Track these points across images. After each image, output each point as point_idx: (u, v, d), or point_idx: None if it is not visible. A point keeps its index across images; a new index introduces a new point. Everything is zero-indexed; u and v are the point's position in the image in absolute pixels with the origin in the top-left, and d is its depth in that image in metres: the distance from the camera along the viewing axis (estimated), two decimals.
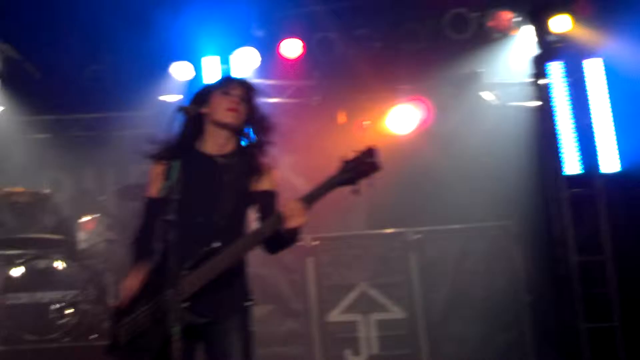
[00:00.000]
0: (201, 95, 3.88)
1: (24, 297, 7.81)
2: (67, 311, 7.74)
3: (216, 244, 3.52)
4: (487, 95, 8.59)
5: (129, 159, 9.34)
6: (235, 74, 3.64)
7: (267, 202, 3.80)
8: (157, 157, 3.83)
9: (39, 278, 7.87)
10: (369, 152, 3.47)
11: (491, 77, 8.50)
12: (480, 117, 8.39)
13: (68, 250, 8.32)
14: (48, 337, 7.60)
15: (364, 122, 8.77)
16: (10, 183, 9.34)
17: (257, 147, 3.89)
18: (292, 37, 8.43)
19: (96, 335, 7.62)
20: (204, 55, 8.63)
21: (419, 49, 8.30)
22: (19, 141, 9.65)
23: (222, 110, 3.74)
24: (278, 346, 6.91)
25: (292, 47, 8.47)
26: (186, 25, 8.16)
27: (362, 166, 3.45)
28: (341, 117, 8.87)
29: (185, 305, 3.38)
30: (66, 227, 8.65)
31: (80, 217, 8.55)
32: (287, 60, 8.51)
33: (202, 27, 8.32)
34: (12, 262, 8.15)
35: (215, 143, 3.80)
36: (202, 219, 3.66)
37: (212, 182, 3.72)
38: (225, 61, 8.63)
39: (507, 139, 7.98)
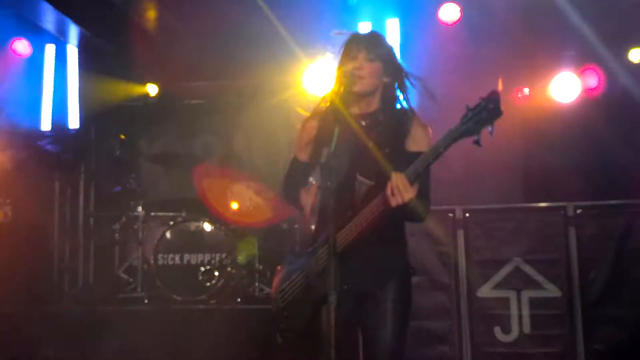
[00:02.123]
0: (339, 61, 3.68)
1: (174, 258, 8.05)
2: (215, 274, 7.90)
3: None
4: None
5: (277, 125, 9.39)
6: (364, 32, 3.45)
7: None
8: (315, 117, 3.73)
9: (189, 240, 8.08)
10: (491, 97, 3.22)
11: None
12: None
13: (218, 214, 8.47)
14: (196, 298, 7.79)
15: (522, 91, 8.36)
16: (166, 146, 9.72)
17: (401, 103, 3.69)
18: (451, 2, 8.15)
19: (240, 299, 7.73)
20: (359, 21, 8.51)
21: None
22: (174, 106, 9.96)
23: (349, 77, 3.53)
24: (423, 319, 6.69)
25: (450, 12, 8.19)
26: None
27: (483, 113, 3.19)
28: (500, 85, 8.46)
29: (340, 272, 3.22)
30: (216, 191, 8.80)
31: (230, 182, 8.67)
32: (445, 24, 8.23)
33: None
34: (165, 224, 8.41)
35: (357, 106, 3.63)
36: (349, 184, 3.50)
37: (358, 144, 3.54)
38: (379, 28, 8.49)
39: None
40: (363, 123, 3.60)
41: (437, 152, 3.26)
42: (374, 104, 3.64)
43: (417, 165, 3.28)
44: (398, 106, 3.69)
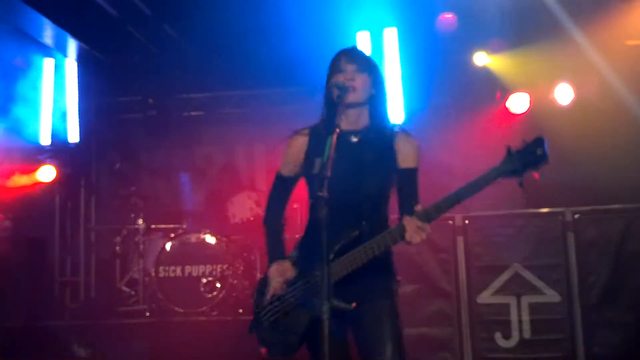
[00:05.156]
0: (327, 79, 3.67)
1: (176, 271, 8.06)
2: (217, 285, 7.91)
3: (356, 231, 3.42)
4: None
5: (277, 135, 9.41)
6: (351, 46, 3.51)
7: (407, 181, 3.61)
8: (305, 132, 3.72)
9: (190, 252, 8.09)
10: (538, 142, 3.19)
11: None
12: None
13: (219, 225, 8.50)
14: (197, 310, 7.81)
15: (519, 97, 8.42)
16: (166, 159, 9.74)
17: (387, 118, 3.69)
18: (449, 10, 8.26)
19: (242, 311, 7.74)
20: (358, 30, 8.57)
21: None
22: (174, 118, 9.99)
23: (336, 92, 3.50)
24: (425, 326, 6.71)
25: (448, 21, 8.27)
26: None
27: (530, 157, 3.18)
28: (498, 94, 8.57)
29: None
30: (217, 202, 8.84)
31: (230, 192, 8.71)
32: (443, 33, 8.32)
33: (356, 2, 8.23)
34: (166, 236, 8.43)
35: (347, 121, 3.59)
36: (347, 199, 3.49)
37: (352, 161, 3.55)
38: (377, 36, 8.56)
39: None
40: (354, 139, 3.63)
41: (475, 190, 3.28)
42: (363, 119, 3.66)
43: (443, 204, 3.33)
44: (384, 120, 3.71)
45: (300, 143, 3.71)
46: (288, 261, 3.62)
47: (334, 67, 3.64)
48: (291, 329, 3.55)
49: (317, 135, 3.61)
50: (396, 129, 3.67)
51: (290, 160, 3.75)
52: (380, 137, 3.63)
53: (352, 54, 3.68)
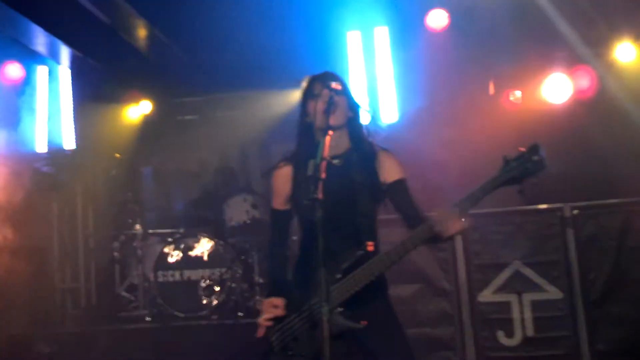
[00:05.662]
0: (302, 107, 3.71)
1: (174, 275, 8.05)
2: (215, 289, 7.90)
3: (362, 250, 3.45)
4: None
5: (270, 138, 9.41)
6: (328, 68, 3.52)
7: (400, 193, 3.66)
8: (287, 163, 3.74)
9: (188, 256, 8.08)
10: (534, 149, 3.24)
11: None
12: None
13: (216, 228, 8.49)
14: (197, 314, 7.79)
15: (513, 94, 8.39)
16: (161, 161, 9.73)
17: (369, 137, 3.74)
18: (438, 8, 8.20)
19: (242, 314, 7.72)
20: (348, 30, 8.54)
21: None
22: (168, 122, 9.98)
23: (320, 115, 3.53)
24: (426, 326, 6.69)
25: (438, 18, 8.22)
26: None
27: (527, 164, 3.24)
28: (491, 88, 8.51)
29: (339, 310, 3.38)
30: (213, 205, 8.82)
31: (226, 196, 8.69)
32: (433, 31, 8.26)
33: (346, 2, 8.19)
34: (163, 241, 8.42)
35: (329, 146, 3.53)
36: (345, 221, 3.56)
37: (343, 184, 3.58)
38: (368, 36, 8.53)
39: None
40: (338, 162, 3.64)
41: (476, 199, 3.33)
42: (343, 142, 3.68)
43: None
44: (364, 140, 3.74)
45: (285, 173, 3.74)
46: (282, 299, 3.61)
47: (308, 93, 3.65)
48: (300, 353, 3.56)
49: (299, 162, 3.62)
50: (376, 149, 3.71)
51: (280, 192, 3.77)
52: (362, 158, 3.68)
53: (327, 77, 3.67)
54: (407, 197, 3.64)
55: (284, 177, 3.73)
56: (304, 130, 3.68)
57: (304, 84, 3.72)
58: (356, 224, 3.59)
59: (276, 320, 3.60)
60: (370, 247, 3.50)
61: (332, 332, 3.23)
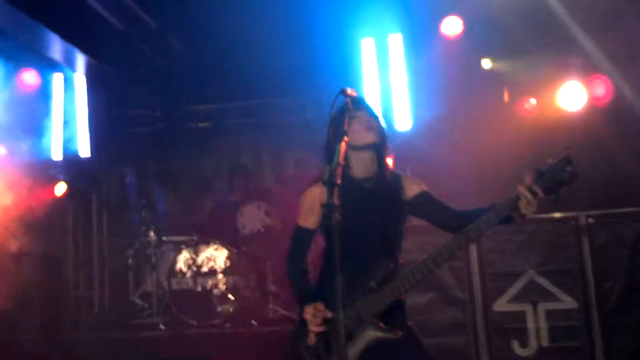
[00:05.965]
0: (335, 130, 3.67)
1: (188, 283, 8.04)
2: (229, 297, 7.88)
3: (391, 264, 3.60)
4: None
5: (284, 145, 9.41)
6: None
7: (428, 201, 3.80)
8: (318, 184, 3.75)
9: (201, 264, 8.07)
10: (567, 160, 3.34)
11: None
12: None
13: (229, 236, 8.48)
14: (210, 322, 7.78)
15: (528, 102, 8.35)
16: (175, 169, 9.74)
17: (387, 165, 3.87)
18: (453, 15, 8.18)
19: (256, 322, 7.70)
20: (362, 37, 8.54)
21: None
22: (182, 130, 10.00)
23: (360, 132, 3.69)
24: (440, 336, 6.64)
25: (452, 25, 8.20)
26: (345, 7, 8.03)
27: (563, 174, 3.34)
28: (506, 96, 8.49)
29: (371, 320, 3.54)
30: (227, 213, 8.81)
31: (239, 203, 8.68)
32: (447, 38, 8.24)
33: (360, 9, 8.19)
34: (177, 248, 8.42)
35: (363, 167, 3.79)
36: (377, 244, 3.70)
37: (374, 207, 3.73)
38: (382, 43, 8.52)
39: None
40: (369, 186, 3.78)
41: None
42: (372, 166, 3.80)
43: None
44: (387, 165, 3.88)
45: (317, 193, 3.77)
46: (320, 303, 3.64)
47: (341, 114, 3.64)
48: None
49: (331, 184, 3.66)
50: (399, 174, 3.88)
51: (308, 211, 3.83)
52: (389, 181, 3.82)
53: (361, 100, 3.77)
54: (436, 203, 3.78)
55: (315, 195, 3.78)
56: (331, 150, 3.64)
57: (340, 105, 3.73)
58: (387, 241, 3.72)
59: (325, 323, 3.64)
60: (401, 260, 3.69)
61: (369, 342, 3.50)
